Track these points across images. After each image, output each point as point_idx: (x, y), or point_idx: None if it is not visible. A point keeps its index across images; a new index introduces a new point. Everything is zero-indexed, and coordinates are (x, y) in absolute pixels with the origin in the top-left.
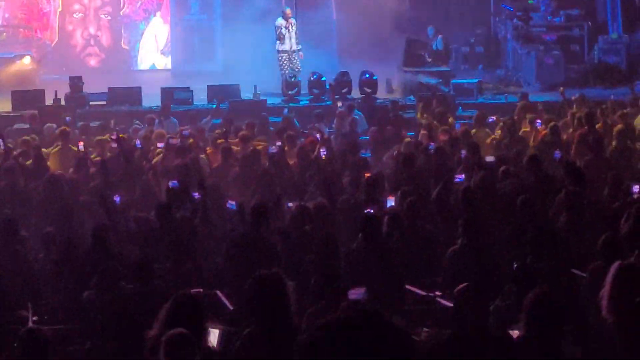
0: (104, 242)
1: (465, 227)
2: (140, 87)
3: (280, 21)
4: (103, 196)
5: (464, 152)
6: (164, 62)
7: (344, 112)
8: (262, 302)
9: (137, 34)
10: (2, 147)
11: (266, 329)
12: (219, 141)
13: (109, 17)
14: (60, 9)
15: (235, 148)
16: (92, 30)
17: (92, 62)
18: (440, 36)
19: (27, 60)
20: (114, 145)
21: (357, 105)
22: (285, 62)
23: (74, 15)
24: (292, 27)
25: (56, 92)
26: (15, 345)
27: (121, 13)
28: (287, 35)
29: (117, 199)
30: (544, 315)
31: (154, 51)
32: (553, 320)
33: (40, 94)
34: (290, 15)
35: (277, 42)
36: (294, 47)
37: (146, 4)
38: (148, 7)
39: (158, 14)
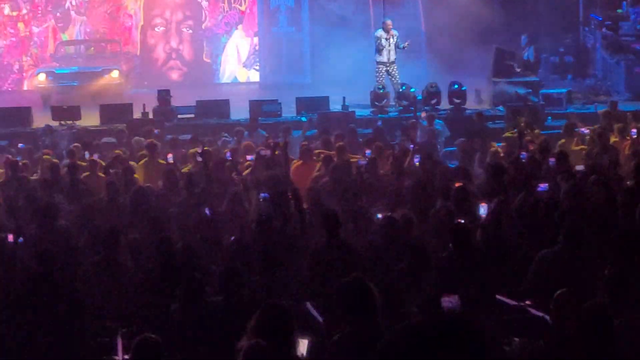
0: (192, 255)
1: (568, 231)
2: (228, 100)
3: (380, 32)
4: (199, 209)
5: (552, 160)
6: (246, 75)
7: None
8: (348, 307)
9: (218, 47)
10: (87, 157)
11: (354, 332)
12: (317, 151)
13: (191, 31)
14: (142, 23)
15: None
16: (173, 44)
17: (174, 75)
18: (532, 46)
19: (115, 74)
20: (199, 159)
21: (447, 116)
22: (382, 73)
23: (156, 29)
24: (392, 38)
25: (144, 105)
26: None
27: (203, 26)
28: (386, 47)
29: (207, 211)
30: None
31: (235, 64)
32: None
33: (128, 107)
34: (390, 27)
35: (376, 53)
36: (392, 59)
37: (228, 17)
38: (230, 20)
39: (240, 27)
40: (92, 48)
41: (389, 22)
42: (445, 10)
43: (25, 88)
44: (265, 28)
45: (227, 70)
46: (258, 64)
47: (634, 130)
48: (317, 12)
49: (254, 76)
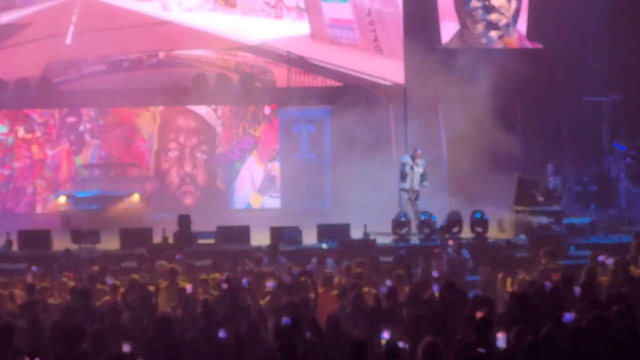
0: None
1: None
2: (248, 226)
3: (407, 159)
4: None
5: (577, 290)
6: (260, 201)
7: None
8: None
9: (232, 172)
10: (109, 283)
11: None
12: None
13: (205, 156)
14: (155, 147)
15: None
16: (187, 169)
17: (188, 200)
18: (559, 176)
19: (136, 197)
20: (225, 286)
21: (469, 244)
22: (404, 201)
23: (170, 153)
24: (417, 167)
25: (164, 230)
26: None
27: (217, 152)
28: (409, 175)
29: (222, 334)
30: None
31: (249, 190)
32: None
33: (148, 232)
34: (419, 156)
35: (400, 180)
36: (415, 187)
37: (242, 143)
38: (244, 146)
39: (254, 152)
40: (112, 172)
41: (419, 151)
42: (467, 138)
43: (38, 211)
44: (287, 154)
45: (241, 196)
46: (272, 190)
47: None
48: (338, 138)
49: (268, 202)
